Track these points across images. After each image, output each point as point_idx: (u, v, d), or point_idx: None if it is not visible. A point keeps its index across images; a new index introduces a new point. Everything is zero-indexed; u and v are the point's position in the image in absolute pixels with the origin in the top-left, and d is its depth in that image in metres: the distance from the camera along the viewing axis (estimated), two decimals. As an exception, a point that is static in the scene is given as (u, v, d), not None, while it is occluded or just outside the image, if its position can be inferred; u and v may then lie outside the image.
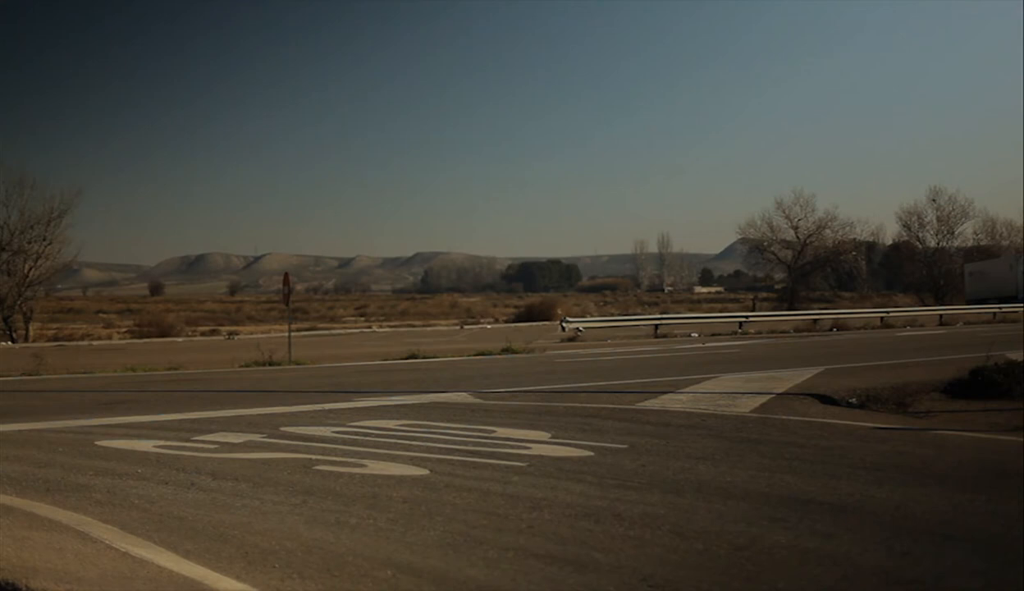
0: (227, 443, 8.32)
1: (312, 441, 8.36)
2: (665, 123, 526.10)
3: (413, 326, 56.35)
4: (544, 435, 8.43)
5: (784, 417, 9.37)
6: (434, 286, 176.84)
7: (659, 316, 39.59)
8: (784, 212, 61.94)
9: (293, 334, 24.61)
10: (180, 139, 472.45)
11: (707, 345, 26.10)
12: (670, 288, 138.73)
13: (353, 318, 78.89)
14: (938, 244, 65.77)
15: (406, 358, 21.98)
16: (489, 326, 51.82)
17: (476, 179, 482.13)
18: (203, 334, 48.89)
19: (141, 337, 43.85)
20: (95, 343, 40.44)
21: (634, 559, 4.38)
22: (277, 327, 50.45)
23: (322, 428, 9.21)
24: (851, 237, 66.54)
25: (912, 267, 66.89)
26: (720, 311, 59.39)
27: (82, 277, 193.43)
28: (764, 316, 41.11)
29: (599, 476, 6.43)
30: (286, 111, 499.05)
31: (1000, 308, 42.54)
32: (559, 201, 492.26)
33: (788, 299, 59.99)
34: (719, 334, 32.55)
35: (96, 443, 8.50)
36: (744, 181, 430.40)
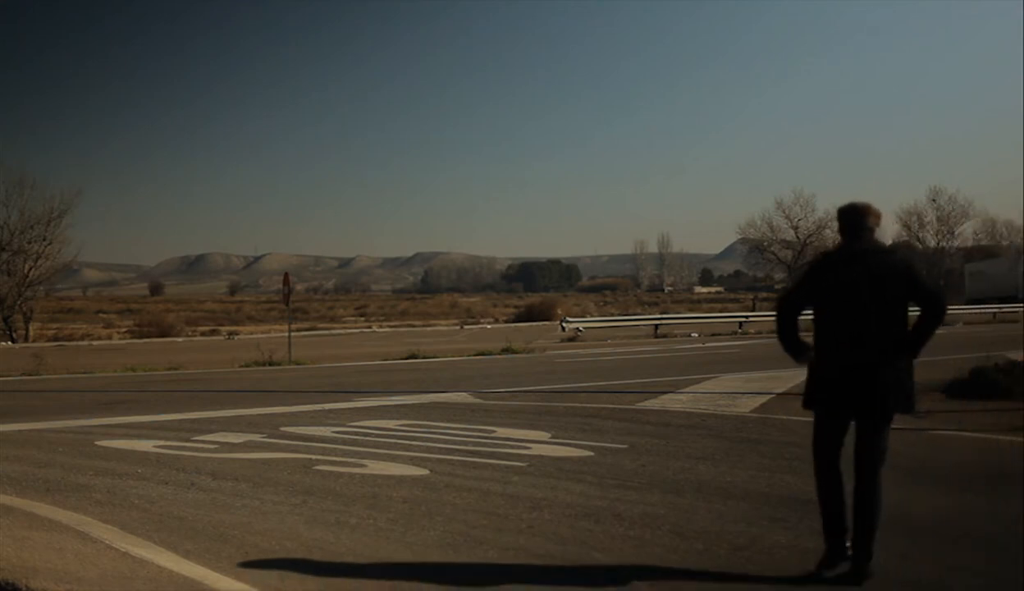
0: (227, 443, 8.31)
1: (312, 441, 8.35)
2: (665, 123, 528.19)
3: (413, 326, 56.34)
4: (544, 435, 8.43)
5: (784, 417, 9.37)
6: (434, 286, 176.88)
7: (659, 316, 39.58)
8: (784, 212, 61.92)
9: (293, 334, 24.60)
10: (180, 139, 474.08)
11: (707, 345, 26.10)
12: (670, 288, 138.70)
13: (353, 318, 78.85)
14: (938, 244, 65.81)
15: (406, 358, 21.98)
16: (489, 326, 51.80)
17: (476, 179, 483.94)
18: (203, 334, 48.86)
19: (141, 337, 43.80)
20: (95, 343, 40.42)
21: (634, 559, 4.37)
22: (277, 327, 50.44)
23: (322, 428, 9.20)
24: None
25: (912, 267, 66.82)
26: (720, 311, 59.29)
27: (82, 277, 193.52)
28: (764, 316, 41.02)
29: (599, 476, 6.43)
30: (286, 111, 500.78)
31: (1000, 308, 42.52)
32: (559, 201, 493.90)
33: (788, 299, 59.91)
34: (719, 334, 32.54)
35: (96, 443, 8.50)
36: (744, 181, 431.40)
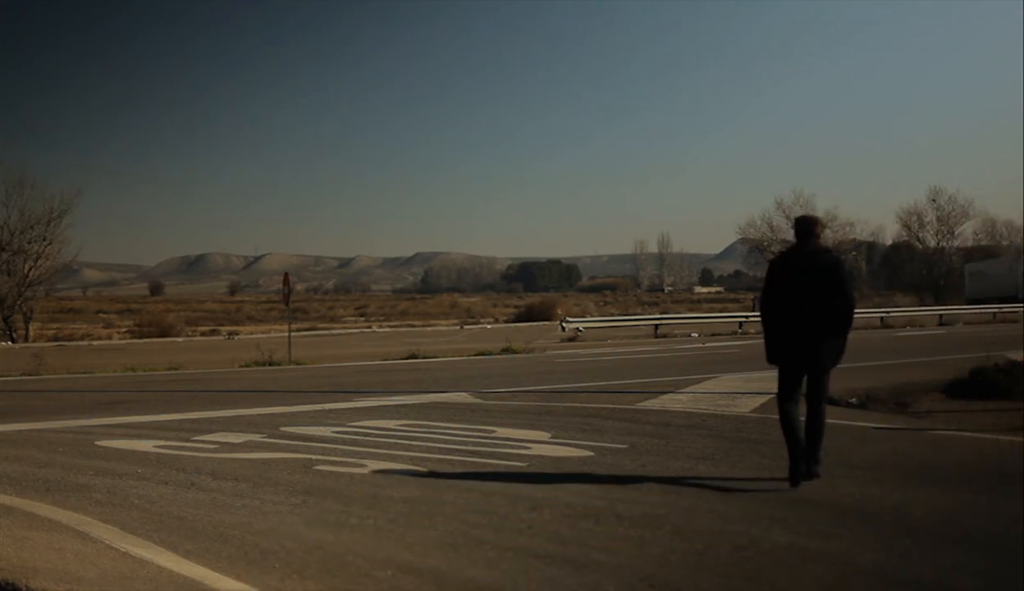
0: (227, 443, 8.31)
1: (312, 441, 8.35)
2: (665, 123, 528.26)
3: (413, 326, 56.36)
4: (544, 435, 8.43)
5: (784, 417, 9.36)
6: (434, 286, 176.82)
7: (659, 316, 39.57)
8: (784, 212, 61.95)
9: (293, 334, 24.60)
10: (180, 139, 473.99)
11: (707, 345, 26.09)
12: (670, 288, 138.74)
13: (353, 318, 78.91)
14: (938, 244, 65.78)
15: (406, 358, 21.98)
16: (489, 326, 51.82)
17: (476, 179, 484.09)
18: (203, 334, 48.87)
19: (141, 337, 43.83)
20: (95, 343, 40.42)
21: (634, 559, 4.37)
22: (277, 327, 50.44)
23: (322, 428, 9.20)
24: (851, 237, 66.63)
25: (912, 267, 66.91)
26: (720, 311, 59.29)
27: (82, 277, 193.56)
28: (764, 316, 40.96)
29: (599, 476, 6.43)
30: (286, 111, 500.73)
31: (1000, 308, 42.52)
32: (559, 201, 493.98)
33: (788, 299, 59.92)
34: (719, 334, 32.54)
35: (96, 443, 8.50)
36: (744, 181, 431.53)
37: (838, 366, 6.13)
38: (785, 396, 6.16)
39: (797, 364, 6.08)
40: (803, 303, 5.92)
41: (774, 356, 6.22)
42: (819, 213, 62.06)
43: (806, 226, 6.21)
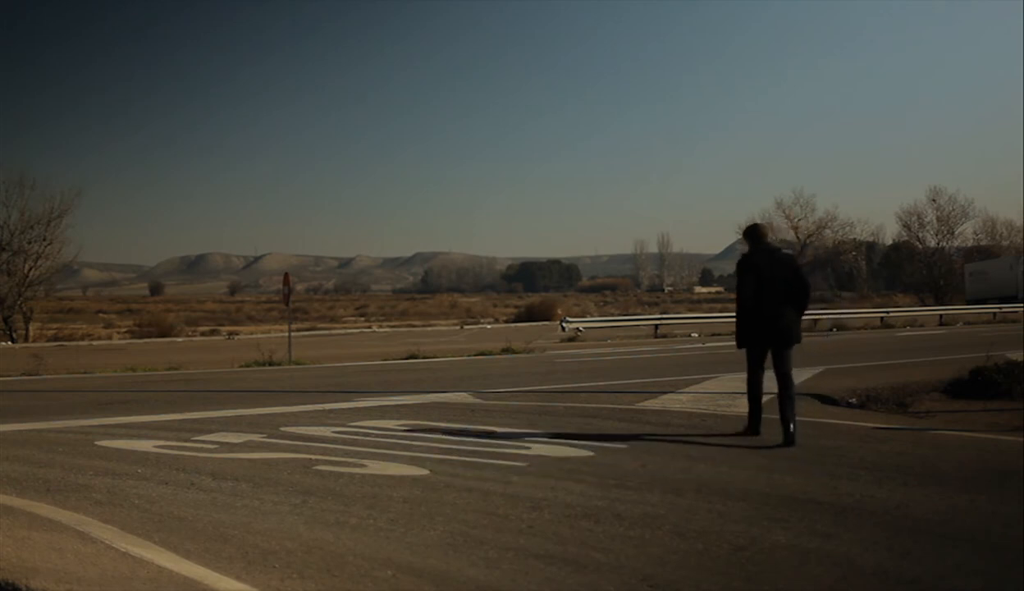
0: (227, 443, 8.31)
1: (312, 441, 8.35)
2: (665, 123, 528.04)
3: (413, 326, 56.37)
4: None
5: (784, 417, 9.35)
6: (434, 286, 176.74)
7: (659, 316, 39.54)
8: (784, 212, 62.05)
9: (293, 334, 24.60)
10: (180, 139, 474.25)
11: (707, 345, 26.08)
12: (670, 288, 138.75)
13: (353, 318, 78.96)
14: (938, 244, 65.71)
15: (406, 358, 21.97)
16: (489, 326, 51.82)
17: (476, 179, 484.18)
18: (203, 334, 48.89)
19: (141, 337, 43.88)
20: (95, 343, 40.43)
21: (634, 559, 4.37)
22: (277, 327, 50.45)
23: (322, 428, 9.20)
24: (851, 237, 66.70)
25: (912, 267, 66.89)
26: (720, 311, 59.28)
27: (82, 277, 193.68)
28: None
29: (599, 476, 6.43)
30: (286, 111, 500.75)
31: (1000, 308, 42.51)
32: (559, 201, 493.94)
33: (788, 299, 59.96)
34: (719, 334, 32.51)
35: (96, 443, 8.49)
36: (744, 181, 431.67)
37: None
38: (754, 367, 7.87)
39: (766, 343, 7.69)
40: (772, 289, 7.48)
41: (744, 341, 7.80)
42: (819, 213, 62.56)
43: (758, 231, 7.82)
